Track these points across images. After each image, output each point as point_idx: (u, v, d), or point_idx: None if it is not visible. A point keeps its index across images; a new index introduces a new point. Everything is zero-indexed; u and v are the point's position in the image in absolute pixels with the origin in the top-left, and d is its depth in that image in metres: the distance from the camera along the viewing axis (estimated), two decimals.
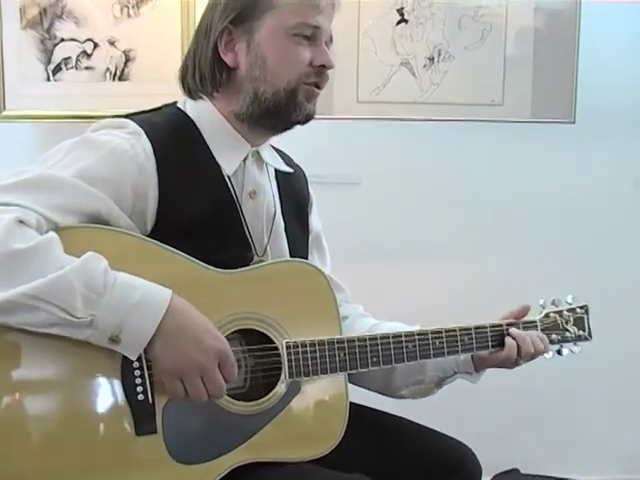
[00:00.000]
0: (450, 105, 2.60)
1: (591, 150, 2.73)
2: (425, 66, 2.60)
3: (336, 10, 1.65)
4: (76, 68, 2.48)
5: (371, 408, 1.80)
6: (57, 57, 2.47)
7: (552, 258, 2.73)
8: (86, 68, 2.48)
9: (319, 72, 1.60)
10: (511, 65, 2.63)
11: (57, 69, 2.47)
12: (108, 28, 2.47)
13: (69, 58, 2.48)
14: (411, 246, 2.66)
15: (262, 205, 1.65)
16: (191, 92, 1.64)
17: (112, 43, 2.47)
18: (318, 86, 1.61)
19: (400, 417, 1.80)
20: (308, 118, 1.63)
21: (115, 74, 2.48)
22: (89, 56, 2.48)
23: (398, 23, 2.58)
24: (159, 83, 2.45)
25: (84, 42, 2.47)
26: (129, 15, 2.46)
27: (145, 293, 1.36)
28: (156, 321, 1.35)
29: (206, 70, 1.60)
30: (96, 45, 2.47)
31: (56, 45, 2.47)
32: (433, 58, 2.59)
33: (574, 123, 2.64)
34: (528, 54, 2.64)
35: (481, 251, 2.71)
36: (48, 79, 2.48)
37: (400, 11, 2.57)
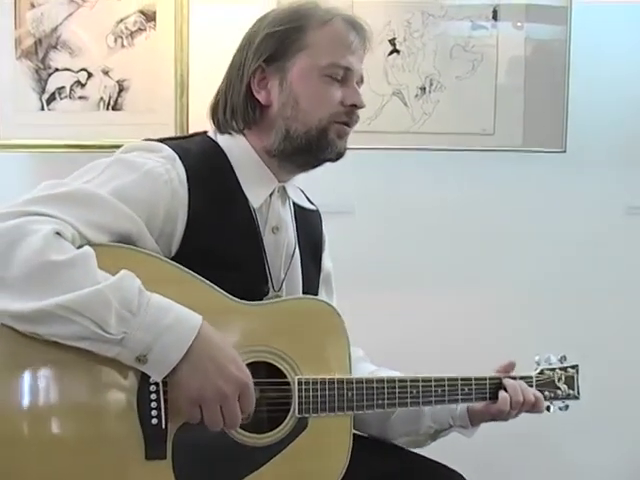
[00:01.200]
0: (442, 134, 2.62)
1: (582, 179, 2.74)
2: (417, 96, 2.61)
3: (367, 52, 1.69)
4: (70, 97, 2.49)
5: (363, 436, 1.81)
6: (51, 87, 2.49)
7: (543, 285, 2.74)
8: (80, 98, 2.49)
9: (350, 112, 1.63)
10: (502, 94, 2.65)
11: (51, 98, 2.49)
12: (102, 58, 2.48)
13: (63, 88, 2.49)
14: (404, 274, 2.66)
15: (283, 241, 1.68)
16: (221, 127, 1.66)
17: (106, 73, 2.49)
18: (348, 125, 1.65)
19: (394, 445, 1.82)
20: (339, 155, 1.66)
21: (109, 104, 2.49)
22: (83, 86, 2.49)
23: (390, 53, 2.60)
24: (152, 113, 2.47)
25: (78, 72, 2.49)
26: (123, 45, 2.48)
27: (177, 316, 1.37)
28: (186, 345, 1.36)
29: (239, 107, 1.64)
30: (90, 75, 2.49)
31: (50, 75, 2.48)
32: (425, 88, 2.62)
33: (565, 152, 2.66)
34: (519, 84, 2.66)
35: (473, 279, 2.71)
36: (42, 108, 2.49)
37: (392, 42, 2.60)
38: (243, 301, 1.53)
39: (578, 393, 1.87)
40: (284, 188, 1.70)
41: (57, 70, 2.48)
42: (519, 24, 2.65)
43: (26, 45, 2.47)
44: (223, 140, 1.65)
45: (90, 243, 1.41)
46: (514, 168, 2.70)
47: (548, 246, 2.75)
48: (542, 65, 2.66)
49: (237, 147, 1.64)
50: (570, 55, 2.64)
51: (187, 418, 1.42)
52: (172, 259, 1.51)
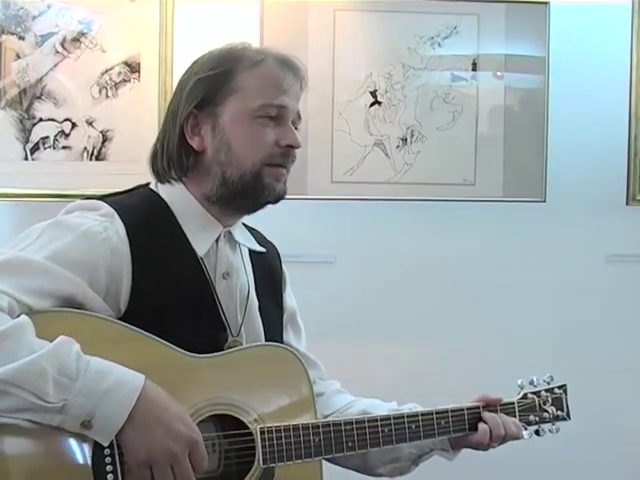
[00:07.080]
0: (423, 185, 2.64)
1: (562, 228, 2.77)
2: (398, 147, 2.64)
3: (304, 88, 1.65)
4: (54, 147, 2.50)
5: None
6: (35, 136, 2.50)
7: (527, 335, 2.74)
8: (64, 147, 2.50)
9: (285, 153, 1.59)
10: (482, 145, 2.68)
11: (35, 148, 2.50)
12: (86, 108, 2.50)
13: (47, 137, 2.50)
14: (384, 325, 2.67)
15: (235, 285, 1.65)
16: (160, 176, 1.64)
17: (90, 123, 2.50)
18: (283, 166, 1.61)
19: None
20: (278, 198, 1.62)
21: (92, 154, 2.51)
22: (67, 136, 2.50)
23: (371, 105, 2.63)
24: (136, 163, 2.47)
25: (62, 122, 2.50)
26: (107, 96, 2.50)
27: (118, 379, 1.35)
28: (128, 407, 1.34)
29: (174, 154, 1.60)
30: (74, 125, 2.50)
31: (35, 125, 2.50)
32: (406, 139, 2.65)
33: (545, 202, 2.69)
34: (499, 134, 2.69)
35: (455, 328, 2.72)
36: (26, 158, 2.50)
37: (373, 93, 2.63)
38: (197, 355, 1.51)
39: (568, 415, 1.82)
40: (230, 232, 1.66)
41: (41, 120, 2.50)
42: (499, 74, 2.69)
43: (11, 95, 2.48)
44: (164, 190, 1.63)
45: (32, 310, 1.39)
46: (495, 218, 2.73)
47: (529, 295, 2.76)
48: (522, 114, 2.71)
49: (178, 196, 1.61)
50: (549, 104, 2.68)
51: None
52: (123, 316, 1.49)
